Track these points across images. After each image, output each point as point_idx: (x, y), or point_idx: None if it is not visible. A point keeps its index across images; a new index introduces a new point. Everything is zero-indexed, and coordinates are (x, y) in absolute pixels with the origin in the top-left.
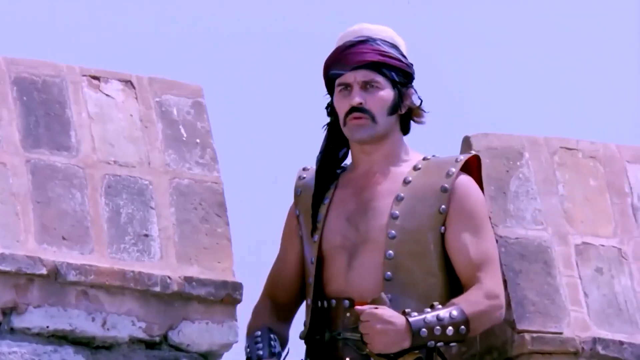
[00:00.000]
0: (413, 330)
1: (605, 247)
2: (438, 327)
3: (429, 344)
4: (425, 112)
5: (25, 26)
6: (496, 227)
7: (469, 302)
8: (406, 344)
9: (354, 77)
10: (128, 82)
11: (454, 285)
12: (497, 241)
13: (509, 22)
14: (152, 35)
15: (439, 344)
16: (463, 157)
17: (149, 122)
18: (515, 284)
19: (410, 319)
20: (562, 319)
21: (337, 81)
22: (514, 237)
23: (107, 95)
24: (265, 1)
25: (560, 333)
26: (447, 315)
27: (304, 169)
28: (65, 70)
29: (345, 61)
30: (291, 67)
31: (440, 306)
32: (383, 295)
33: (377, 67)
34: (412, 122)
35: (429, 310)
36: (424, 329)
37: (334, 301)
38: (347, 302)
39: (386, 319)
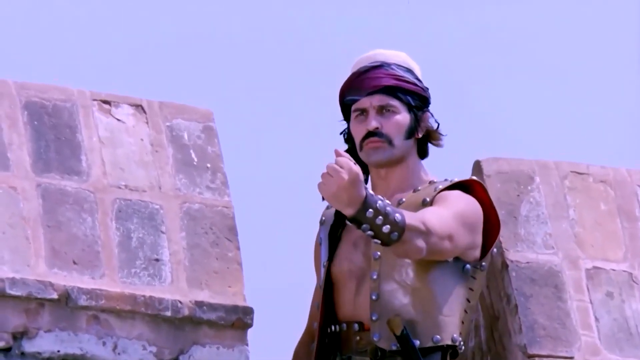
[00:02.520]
0: (365, 204)
1: (615, 271)
2: (381, 218)
3: (363, 227)
4: (443, 135)
5: (36, 51)
6: (507, 251)
7: (411, 217)
8: (349, 210)
9: (370, 102)
10: (139, 107)
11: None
12: (507, 266)
13: (520, 48)
14: (163, 60)
15: (368, 233)
16: (457, 179)
17: (160, 147)
18: (526, 308)
19: (369, 195)
20: (573, 344)
21: (353, 107)
22: (525, 262)
23: (117, 119)
24: (275, 25)
25: (571, 357)
26: (393, 214)
27: None
28: (76, 95)
29: (361, 86)
30: (303, 91)
31: (390, 203)
32: (398, 318)
33: (393, 91)
34: (429, 145)
35: (382, 198)
36: (371, 210)
37: (345, 325)
38: (356, 325)
39: (357, 181)
